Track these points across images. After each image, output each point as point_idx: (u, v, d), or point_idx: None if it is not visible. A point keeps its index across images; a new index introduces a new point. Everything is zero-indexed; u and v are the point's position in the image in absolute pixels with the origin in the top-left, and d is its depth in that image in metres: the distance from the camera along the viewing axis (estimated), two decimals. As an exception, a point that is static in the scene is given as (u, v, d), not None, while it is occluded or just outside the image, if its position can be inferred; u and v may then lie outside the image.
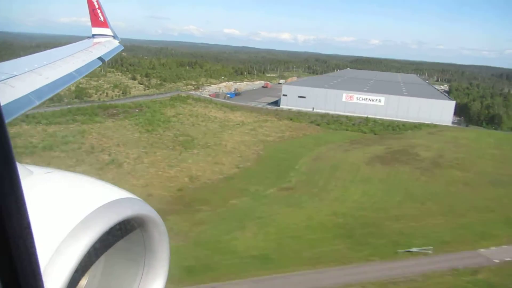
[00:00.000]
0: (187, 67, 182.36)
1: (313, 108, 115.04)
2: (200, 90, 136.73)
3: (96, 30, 11.69)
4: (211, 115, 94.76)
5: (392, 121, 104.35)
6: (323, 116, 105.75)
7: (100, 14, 11.66)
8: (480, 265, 34.54)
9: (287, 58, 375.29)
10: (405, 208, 46.58)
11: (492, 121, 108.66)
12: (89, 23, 11.72)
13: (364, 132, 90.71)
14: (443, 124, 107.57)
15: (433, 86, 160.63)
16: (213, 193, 47.04)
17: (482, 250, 37.48)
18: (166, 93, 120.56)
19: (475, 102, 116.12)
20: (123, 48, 11.50)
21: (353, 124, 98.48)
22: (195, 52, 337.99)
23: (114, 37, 11.77)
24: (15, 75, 4.76)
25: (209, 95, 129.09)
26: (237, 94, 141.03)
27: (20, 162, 2.00)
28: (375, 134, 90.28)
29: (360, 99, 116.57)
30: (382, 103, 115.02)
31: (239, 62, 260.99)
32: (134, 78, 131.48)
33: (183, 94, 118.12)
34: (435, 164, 67.03)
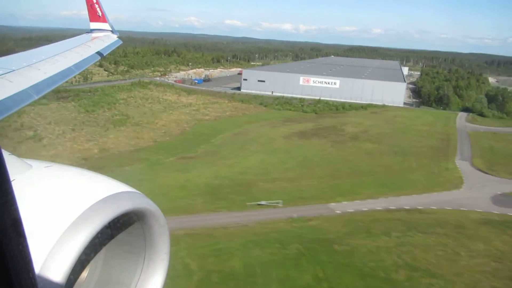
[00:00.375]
0: (163, 55, 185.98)
1: (272, 92, 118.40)
2: (166, 76, 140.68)
3: (94, 25, 11.81)
4: (163, 98, 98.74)
5: (344, 103, 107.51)
6: (277, 98, 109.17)
7: (98, 9, 11.80)
8: (320, 214, 38.49)
9: (283, 48, 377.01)
10: (290, 173, 50.51)
11: (441, 101, 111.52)
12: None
13: (306, 112, 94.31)
14: (395, 105, 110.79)
15: (401, 71, 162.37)
16: (113, 161, 51.31)
17: (332, 204, 41.43)
18: (130, 79, 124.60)
19: (426, 84, 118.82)
20: (122, 42, 11.80)
21: (302, 105, 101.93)
22: (190, 42, 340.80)
23: (113, 31, 11.92)
24: (13, 70, 4.76)
25: (175, 81, 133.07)
26: (206, 80, 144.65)
27: (19, 157, 2.11)
28: (316, 113, 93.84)
29: (317, 82, 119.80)
30: (337, 85, 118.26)
31: (230, 52, 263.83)
32: (100, 65, 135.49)
33: (147, 80, 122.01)
34: (353, 138, 70.69)
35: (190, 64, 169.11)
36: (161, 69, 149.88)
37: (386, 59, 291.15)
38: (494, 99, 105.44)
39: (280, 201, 40.01)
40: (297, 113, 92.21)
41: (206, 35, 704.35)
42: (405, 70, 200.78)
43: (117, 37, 11.70)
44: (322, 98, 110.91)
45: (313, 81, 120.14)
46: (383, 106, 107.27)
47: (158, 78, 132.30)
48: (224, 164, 52.42)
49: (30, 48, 7.20)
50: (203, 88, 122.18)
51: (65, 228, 1.79)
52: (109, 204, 1.97)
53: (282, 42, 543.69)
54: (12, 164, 2.09)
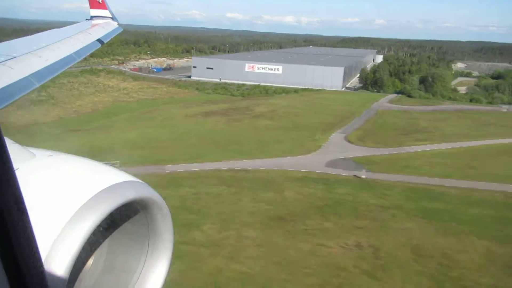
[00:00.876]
0: (132, 46, 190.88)
1: (220, 79, 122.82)
2: (124, 64, 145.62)
3: (94, 12, 11.69)
4: (103, 83, 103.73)
5: (285, 88, 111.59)
6: (217, 84, 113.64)
7: None
8: (146, 173, 43.24)
9: (280, 40, 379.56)
10: (162, 143, 55.08)
11: (375, 84, 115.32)
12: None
13: (233, 95, 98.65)
14: (333, 89, 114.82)
15: (358, 59, 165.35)
16: None
17: (169, 165, 46.19)
18: (84, 66, 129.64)
19: (364, 69, 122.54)
20: (122, 30, 11.70)
21: (237, 90, 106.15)
22: (185, 35, 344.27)
23: (113, 18, 11.81)
24: (14, 57, 4.69)
25: (131, 69, 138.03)
26: (166, 69, 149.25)
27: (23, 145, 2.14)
28: (243, 96, 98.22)
29: (261, 68, 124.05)
30: (280, 71, 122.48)
31: (221, 44, 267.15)
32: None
33: (100, 68, 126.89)
34: (256, 116, 75.15)
35: (149, 53, 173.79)
36: (120, 58, 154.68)
37: (371, 48, 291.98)
38: (425, 80, 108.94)
39: (117, 162, 44.73)
40: (224, 97, 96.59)
41: (206, 28, 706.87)
42: (380, 58, 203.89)
43: (118, 24, 11.60)
44: (266, 84, 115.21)
45: (257, 67, 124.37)
46: (319, 90, 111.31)
47: (114, 66, 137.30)
48: (104, 136, 57.31)
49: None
50: (156, 76, 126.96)
51: (69, 217, 1.81)
52: (113, 194, 1.98)
53: (282, 34, 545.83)
54: (16, 152, 2.11)
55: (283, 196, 38.53)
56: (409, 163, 50.19)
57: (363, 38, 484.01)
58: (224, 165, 47.22)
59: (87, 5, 11.64)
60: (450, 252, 29.51)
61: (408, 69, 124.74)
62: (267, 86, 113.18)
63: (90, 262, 2.30)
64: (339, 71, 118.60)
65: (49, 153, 2.32)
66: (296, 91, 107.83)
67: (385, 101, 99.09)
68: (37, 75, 4.65)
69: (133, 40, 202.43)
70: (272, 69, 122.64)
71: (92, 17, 11.56)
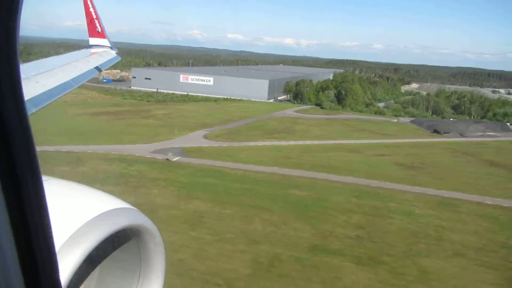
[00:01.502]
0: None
1: (157, 89, 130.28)
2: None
3: (93, 41, 11.76)
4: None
5: (216, 98, 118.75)
6: (152, 93, 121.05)
7: (97, 25, 11.75)
8: None
9: (269, 60, 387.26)
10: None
11: (297, 96, 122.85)
12: None
13: (149, 101, 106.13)
14: (258, 100, 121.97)
15: (309, 75, 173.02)
16: None
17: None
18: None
19: (290, 83, 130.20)
20: (120, 58, 11.87)
21: (151, 96, 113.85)
22: (175, 53, 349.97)
23: (111, 47, 11.93)
24: None
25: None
26: (117, 80, 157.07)
27: None
28: (159, 102, 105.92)
29: (194, 79, 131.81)
30: (211, 83, 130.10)
31: (195, 60, 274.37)
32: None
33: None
34: (147, 117, 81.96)
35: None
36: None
37: (344, 69, 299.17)
38: (339, 94, 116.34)
39: None
40: (139, 102, 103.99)
41: (205, 48, 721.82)
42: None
43: (116, 53, 11.75)
44: (198, 94, 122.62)
45: (191, 78, 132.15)
46: (240, 100, 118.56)
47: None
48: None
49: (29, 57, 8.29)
50: (99, 85, 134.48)
51: (60, 244, 1.78)
52: (105, 221, 1.95)
53: (280, 56, 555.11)
54: None
55: (81, 170, 44.75)
56: (234, 153, 56.38)
57: (355, 61, 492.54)
58: (63, 148, 53.47)
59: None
60: (165, 209, 35.52)
61: (335, 84, 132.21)
62: (198, 96, 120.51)
63: None
64: (264, 83, 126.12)
65: (44, 178, 2.11)
66: (216, 100, 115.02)
67: (293, 110, 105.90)
68: (34, 100, 4.65)
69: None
70: (204, 80, 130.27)
71: (91, 46, 11.76)
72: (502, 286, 26.53)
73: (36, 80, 5.42)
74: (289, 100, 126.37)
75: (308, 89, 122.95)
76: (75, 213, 1.99)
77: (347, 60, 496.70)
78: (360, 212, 37.43)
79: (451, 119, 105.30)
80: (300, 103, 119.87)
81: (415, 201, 41.37)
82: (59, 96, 5.64)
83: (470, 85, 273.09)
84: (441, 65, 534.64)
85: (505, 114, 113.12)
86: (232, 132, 71.56)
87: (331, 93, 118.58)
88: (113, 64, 10.98)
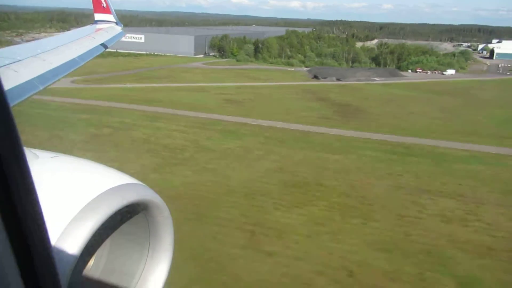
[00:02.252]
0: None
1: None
2: (22, 37, 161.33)
3: (98, 16, 11.70)
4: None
5: (147, 54, 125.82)
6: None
7: (102, 0, 11.73)
8: None
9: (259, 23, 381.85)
10: None
11: (220, 51, 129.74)
12: None
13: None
14: (186, 55, 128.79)
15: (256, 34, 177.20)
16: None
17: None
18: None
19: (215, 39, 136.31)
20: (125, 34, 12.05)
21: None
22: (172, 19, 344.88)
23: (117, 23, 11.86)
24: (19, 60, 4.77)
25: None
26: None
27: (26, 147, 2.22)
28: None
29: (127, 37, 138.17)
30: (142, 40, 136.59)
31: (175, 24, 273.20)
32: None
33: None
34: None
35: (48, 26, 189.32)
36: (22, 31, 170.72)
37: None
38: (257, 47, 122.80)
39: None
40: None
41: (207, 13, 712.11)
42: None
43: (121, 28, 11.70)
44: (131, 51, 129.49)
45: (126, 36, 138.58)
46: (166, 55, 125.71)
47: (8, 38, 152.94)
48: None
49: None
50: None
51: (71, 218, 1.81)
52: (114, 195, 1.99)
53: (285, 19, 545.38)
54: None
55: None
56: (80, 93, 64.49)
57: (362, 22, 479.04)
58: None
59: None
60: None
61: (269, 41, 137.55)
62: (131, 52, 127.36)
63: (91, 263, 2.27)
64: (190, 39, 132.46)
65: (52, 154, 2.31)
66: (135, 55, 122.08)
67: (202, 63, 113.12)
68: (41, 78, 4.71)
69: (57, 17, 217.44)
70: (136, 38, 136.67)
71: (96, 21, 11.59)
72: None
73: (43, 58, 5.43)
74: (215, 55, 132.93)
75: (231, 44, 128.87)
76: (84, 188, 2.00)
77: (353, 21, 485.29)
78: (116, 127, 46.32)
79: (350, 68, 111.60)
80: (223, 57, 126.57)
81: (189, 122, 49.90)
82: (65, 74, 5.65)
83: (442, 40, 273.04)
84: (448, 23, 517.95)
85: (416, 62, 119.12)
86: (107, 78, 79.44)
87: (250, 46, 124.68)
88: (119, 39, 10.81)
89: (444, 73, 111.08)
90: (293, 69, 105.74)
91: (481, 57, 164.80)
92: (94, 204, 1.90)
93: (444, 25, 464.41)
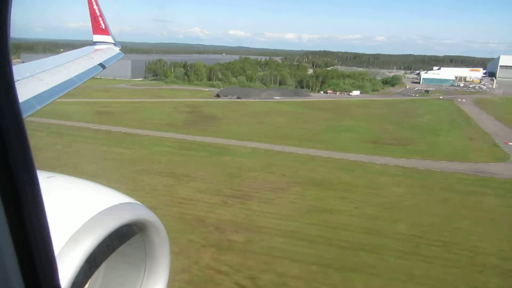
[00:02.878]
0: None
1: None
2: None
3: (97, 38, 11.92)
4: None
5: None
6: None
7: (101, 22, 11.88)
8: None
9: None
10: None
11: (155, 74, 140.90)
12: None
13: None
14: (123, 78, 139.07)
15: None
16: None
17: None
18: None
19: (151, 63, 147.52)
20: (124, 55, 12.18)
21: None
22: (169, 50, 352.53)
23: (115, 44, 12.09)
24: (17, 80, 4.65)
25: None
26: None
27: None
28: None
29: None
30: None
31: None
32: None
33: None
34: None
35: None
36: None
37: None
38: (186, 71, 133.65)
39: None
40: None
41: (203, 45, 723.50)
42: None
43: (119, 49, 12.00)
44: None
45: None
46: (100, 78, 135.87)
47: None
48: None
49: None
50: None
51: (67, 239, 1.78)
52: (111, 215, 1.95)
53: (282, 51, 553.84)
54: None
55: None
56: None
57: (356, 53, 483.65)
58: None
59: (90, 24, 11.65)
60: None
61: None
62: None
63: (86, 286, 2.20)
64: (128, 63, 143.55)
65: (49, 174, 2.27)
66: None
67: (130, 84, 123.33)
68: (39, 98, 4.70)
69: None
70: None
71: (95, 43, 11.90)
72: None
73: (40, 77, 5.41)
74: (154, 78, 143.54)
75: (165, 68, 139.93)
76: (80, 208, 1.96)
77: (347, 52, 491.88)
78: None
79: (258, 88, 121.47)
80: (156, 79, 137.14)
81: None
82: (62, 93, 5.58)
83: (404, 69, 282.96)
84: (436, 54, 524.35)
85: (335, 84, 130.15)
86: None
87: (181, 70, 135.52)
88: (116, 60, 10.72)
89: (350, 94, 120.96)
90: (207, 89, 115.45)
91: (413, 82, 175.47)
92: (90, 224, 1.85)
93: (426, 55, 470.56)
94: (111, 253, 2.22)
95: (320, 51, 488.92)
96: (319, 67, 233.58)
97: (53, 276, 1.27)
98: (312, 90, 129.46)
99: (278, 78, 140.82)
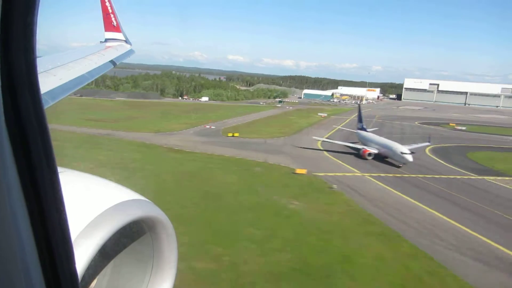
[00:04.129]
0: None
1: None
2: None
3: (108, 35, 11.78)
4: None
5: None
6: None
7: (113, 19, 11.81)
8: None
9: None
10: None
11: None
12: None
13: None
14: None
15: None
16: None
17: None
18: None
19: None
20: (135, 52, 11.91)
21: None
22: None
23: (126, 41, 11.92)
24: None
25: None
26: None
27: None
28: None
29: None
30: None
31: None
32: None
33: None
34: None
35: None
36: None
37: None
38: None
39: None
40: None
41: (200, 68, 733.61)
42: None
43: (131, 46, 11.81)
44: None
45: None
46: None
47: None
48: None
49: None
50: None
51: (76, 235, 1.77)
52: (119, 212, 1.96)
53: (278, 77, 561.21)
54: None
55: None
56: None
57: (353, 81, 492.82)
58: None
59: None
60: None
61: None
62: None
63: (94, 282, 2.20)
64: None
65: (60, 169, 2.17)
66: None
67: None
68: (51, 93, 4.70)
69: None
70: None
71: (106, 40, 11.74)
72: None
73: (53, 73, 5.42)
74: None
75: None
76: (90, 204, 1.97)
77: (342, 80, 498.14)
78: None
79: (114, 91, 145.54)
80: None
81: None
82: (74, 89, 5.65)
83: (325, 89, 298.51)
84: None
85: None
86: None
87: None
88: (128, 57, 10.79)
89: (200, 99, 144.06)
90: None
91: (299, 97, 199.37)
92: (100, 220, 1.85)
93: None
94: (119, 249, 2.22)
95: (299, 76, 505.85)
96: (250, 85, 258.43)
97: (71, 265, 1.32)
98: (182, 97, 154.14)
99: (160, 87, 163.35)
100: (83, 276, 1.70)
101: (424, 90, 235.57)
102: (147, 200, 2.21)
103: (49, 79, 5.10)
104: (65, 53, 7.93)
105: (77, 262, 1.62)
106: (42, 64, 5.65)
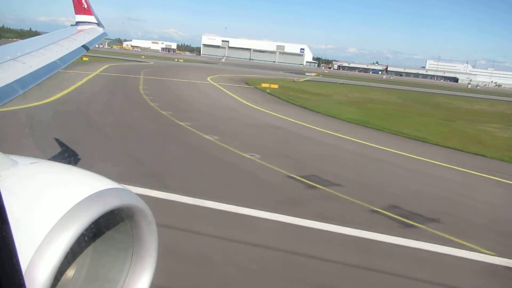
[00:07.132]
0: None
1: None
2: None
3: (79, 18, 11.17)
4: None
5: None
6: None
7: (83, 1, 11.15)
8: None
9: None
10: None
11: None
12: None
13: None
14: None
15: None
16: None
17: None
18: None
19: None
20: (108, 35, 11.30)
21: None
22: None
23: (98, 24, 11.24)
24: None
25: None
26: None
27: (4, 153, 2.04)
28: None
29: None
30: None
31: None
32: None
33: None
34: None
35: None
36: None
37: None
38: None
39: None
40: None
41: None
42: None
43: (103, 30, 11.19)
44: None
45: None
46: None
47: None
48: None
49: None
50: None
51: (51, 226, 1.68)
52: (96, 201, 1.86)
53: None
54: None
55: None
56: None
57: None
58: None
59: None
60: None
61: None
62: None
63: (72, 272, 2.12)
64: None
65: (32, 160, 2.16)
66: None
67: None
68: (21, 81, 4.49)
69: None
70: None
71: (77, 23, 11.14)
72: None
73: (22, 61, 5.20)
74: None
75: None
76: (66, 194, 1.87)
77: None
78: None
79: None
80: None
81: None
82: (46, 77, 5.33)
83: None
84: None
85: None
86: None
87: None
88: (100, 40, 10.13)
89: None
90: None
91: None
92: (75, 211, 1.75)
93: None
94: (98, 239, 2.14)
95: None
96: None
97: (19, 283, 1.12)
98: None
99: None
100: (61, 266, 1.61)
101: (218, 47, 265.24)
102: (125, 188, 2.08)
103: (18, 67, 4.84)
104: (35, 38, 7.76)
105: (53, 254, 1.57)
106: (10, 51, 5.37)
